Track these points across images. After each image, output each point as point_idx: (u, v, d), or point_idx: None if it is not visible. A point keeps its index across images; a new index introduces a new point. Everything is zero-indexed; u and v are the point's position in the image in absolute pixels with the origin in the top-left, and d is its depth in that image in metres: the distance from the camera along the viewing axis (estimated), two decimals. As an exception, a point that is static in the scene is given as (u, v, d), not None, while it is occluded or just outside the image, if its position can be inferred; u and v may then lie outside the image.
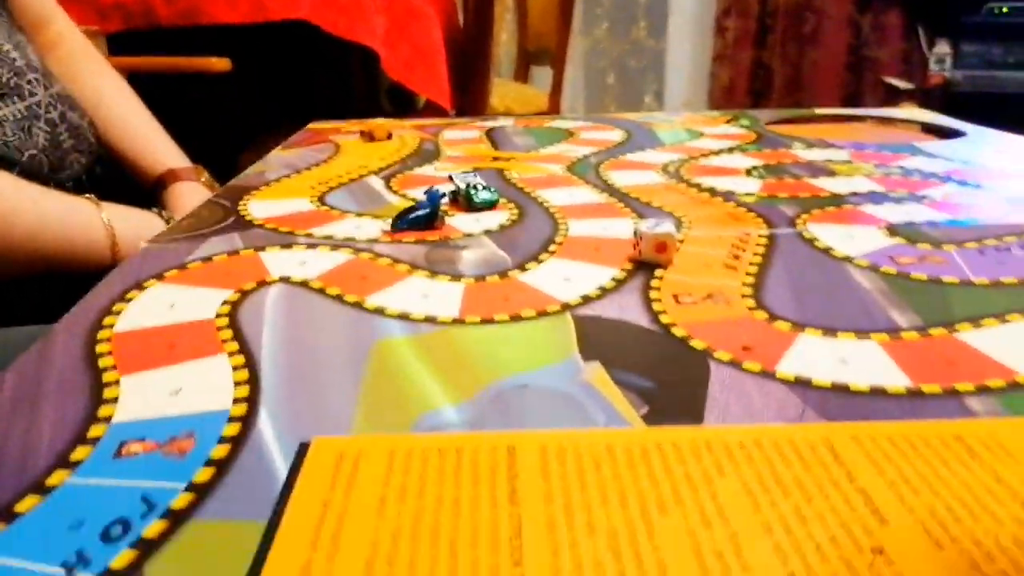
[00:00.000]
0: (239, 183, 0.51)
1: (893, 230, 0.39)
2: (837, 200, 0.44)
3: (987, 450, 0.21)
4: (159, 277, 0.35)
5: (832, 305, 0.30)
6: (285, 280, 0.34)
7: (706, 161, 0.55)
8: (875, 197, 0.45)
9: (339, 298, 0.32)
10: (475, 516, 0.19)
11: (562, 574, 0.17)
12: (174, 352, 0.27)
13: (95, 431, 0.23)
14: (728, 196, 0.46)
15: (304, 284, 0.33)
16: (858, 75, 2.94)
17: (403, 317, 0.30)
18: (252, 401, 0.24)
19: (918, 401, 0.24)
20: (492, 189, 0.45)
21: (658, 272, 0.34)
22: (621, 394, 0.24)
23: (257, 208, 0.45)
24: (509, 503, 0.19)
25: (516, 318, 0.30)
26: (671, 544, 0.18)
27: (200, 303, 0.31)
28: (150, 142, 0.69)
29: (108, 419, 0.23)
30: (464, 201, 0.44)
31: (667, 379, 0.25)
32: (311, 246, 0.38)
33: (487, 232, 0.40)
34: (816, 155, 0.56)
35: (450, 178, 0.46)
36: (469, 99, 1.77)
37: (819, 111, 0.75)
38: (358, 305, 0.31)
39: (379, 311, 0.31)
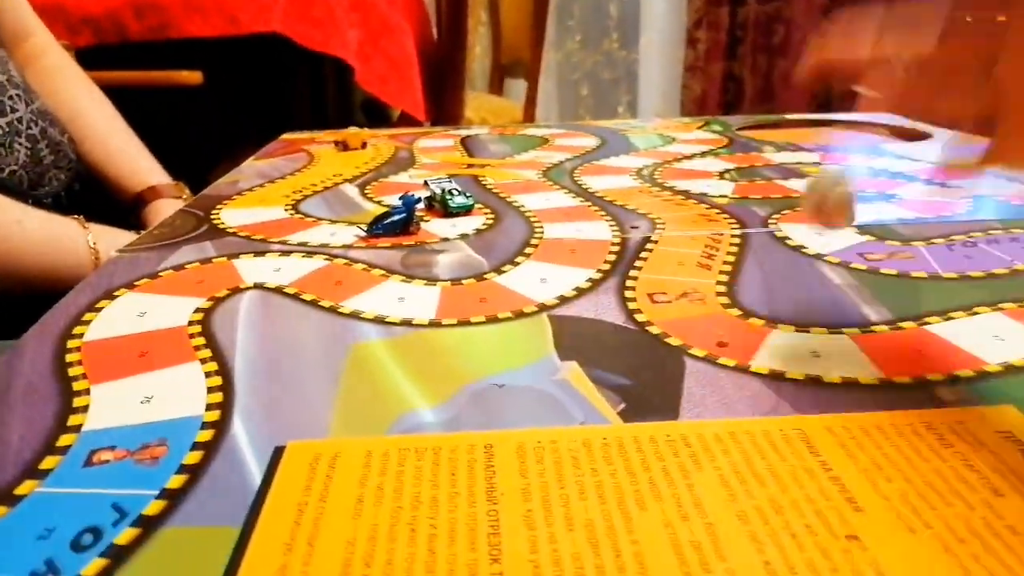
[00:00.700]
0: (212, 192, 0.51)
1: (863, 228, 0.39)
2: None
3: (957, 438, 0.22)
4: (130, 286, 0.34)
5: (804, 301, 0.31)
6: (259, 287, 0.34)
7: (680, 165, 0.55)
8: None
9: (314, 303, 0.32)
10: (453, 514, 0.19)
11: (541, 569, 0.17)
12: (145, 360, 0.27)
13: (64, 440, 0.22)
14: (701, 198, 0.46)
15: (278, 290, 0.33)
16: (827, 84, 2.99)
17: (379, 321, 0.30)
18: (226, 407, 0.24)
19: (890, 392, 0.24)
20: (468, 194, 0.45)
21: (633, 272, 0.34)
22: (598, 391, 0.24)
23: (230, 216, 0.45)
24: (487, 500, 0.19)
25: (493, 319, 0.30)
26: (649, 536, 0.18)
27: (172, 311, 0.31)
28: (130, 158, 0.68)
29: (78, 428, 0.23)
30: (440, 206, 0.44)
31: (643, 376, 0.25)
32: (285, 253, 0.38)
33: (463, 236, 0.40)
34: (787, 158, 0.57)
35: (425, 184, 0.46)
36: (443, 111, 1.78)
37: (789, 116, 0.76)
38: (333, 310, 0.31)
39: (355, 315, 0.30)
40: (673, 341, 0.27)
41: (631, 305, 0.31)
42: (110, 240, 0.57)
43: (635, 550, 0.18)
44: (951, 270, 0.34)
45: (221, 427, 0.23)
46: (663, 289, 0.32)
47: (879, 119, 0.73)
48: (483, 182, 0.52)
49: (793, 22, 2.92)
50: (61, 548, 0.18)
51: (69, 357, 0.27)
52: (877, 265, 0.34)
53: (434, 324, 0.29)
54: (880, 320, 0.29)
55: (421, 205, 0.43)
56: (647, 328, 0.29)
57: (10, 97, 0.60)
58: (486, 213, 0.44)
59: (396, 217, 0.40)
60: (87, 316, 0.31)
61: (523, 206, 0.45)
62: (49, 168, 0.62)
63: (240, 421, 0.23)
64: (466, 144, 0.65)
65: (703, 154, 0.59)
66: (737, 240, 0.38)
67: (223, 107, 1.40)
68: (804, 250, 0.36)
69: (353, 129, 0.69)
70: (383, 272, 0.35)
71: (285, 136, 0.72)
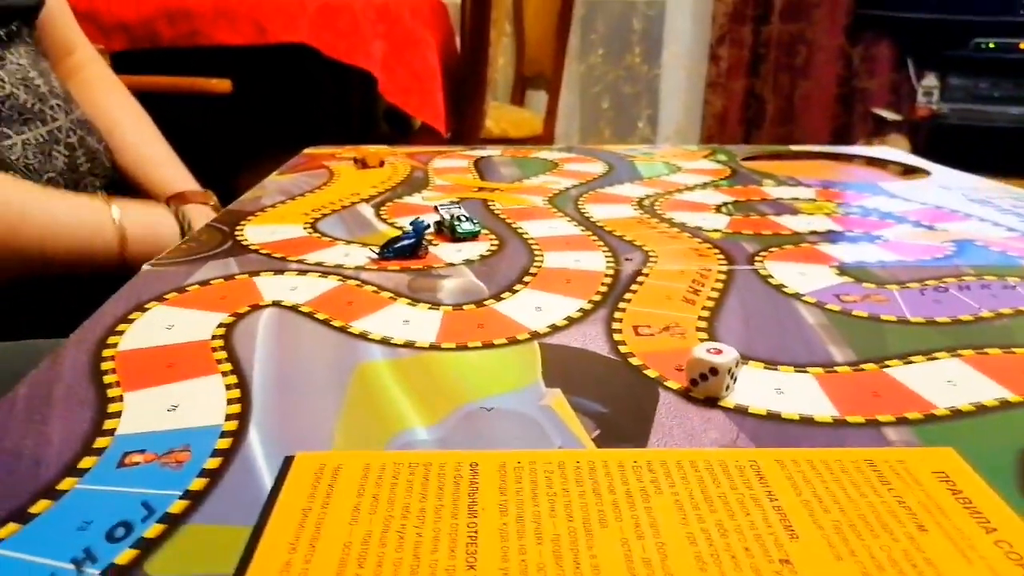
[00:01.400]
0: (237, 208, 0.54)
1: (843, 269, 0.42)
2: (796, 239, 0.47)
3: (895, 476, 0.24)
4: (160, 299, 0.37)
5: (777, 339, 0.33)
6: (277, 304, 0.37)
7: (680, 196, 0.58)
8: (832, 236, 0.48)
9: (326, 323, 0.35)
10: (437, 524, 0.22)
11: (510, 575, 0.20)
12: (172, 371, 0.30)
13: (100, 443, 0.25)
14: (696, 232, 0.49)
15: (294, 309, 0.36)
16: (848, 106, 2.99)
17: (384, 342, 0.33)
18: (243, 418, 0.27)
19: (842, 430, 0.26)
20: (475, 220, 0.48)
21: (622, 304, 0.37)
22: (577, 418, 0.27)
23: (253, 233, 0.48)
24: (468, 514, 0.22)
25: (488, 345, 0.32)
26: (607, 552, 0.21)
27: (197, 325, 0.34)
28: (161, 166, 0.72)
29: (112, 432, 0.26)
30: (448, 231, 0.47)
31: (619, 405, 0.28)
32: (302, 272, 0.41)
33: (468, 262, 0.43)
34: (784, 192, 0.59)
35: (436, 208, 0.49)
36: (464, 122, 1.81)
37: (795, 148, 0.78)
38: (343, 330, 0.34)
39: (363, 335, 0.33)
40: (651, 373, 0.30)
41: (616, 336, 0.33)
42: (134, 213, 0.61)
43: (593, 563, 0.20)
44: (919, 315, 0.36)
45: (238, 436, 0.26)
46: (648, 322, 0.35)
47: (883, 154, 0.75)
48: (491, 207, 0.55)
49: (816, 43, 2.93)
50: (97, 539, 0.21)
51: (104, 365, 0.31)
52: (850, 307, 0.37)
53: (434, 347, 0.32)
54: (844, 361, 0.31)
55: (430, 230, 0.46)
56: (628, 359, 0.31)
57: (51, 107, 0.64)
58: (491, 239, 0.47)
59: (406, 242, 0.43)
60: (121, 326, 0.34)
61: (527, 233, 0.48)
62: (85, 175, 0.66)
63: (255, 431, 0.26)
64: (479, 166, 0.68)
65: (704, 185, 0.61)
66: (723, 277, 0.40)
67: (250, 114, 1.44)
68: (784, 289, 0.39)
69: (372, 147, 0.72)
70: (391, 295, 0.38)
71: (307, 151, 0.75)
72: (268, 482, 0.23)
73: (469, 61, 1.81)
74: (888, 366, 0.31)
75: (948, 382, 0.30)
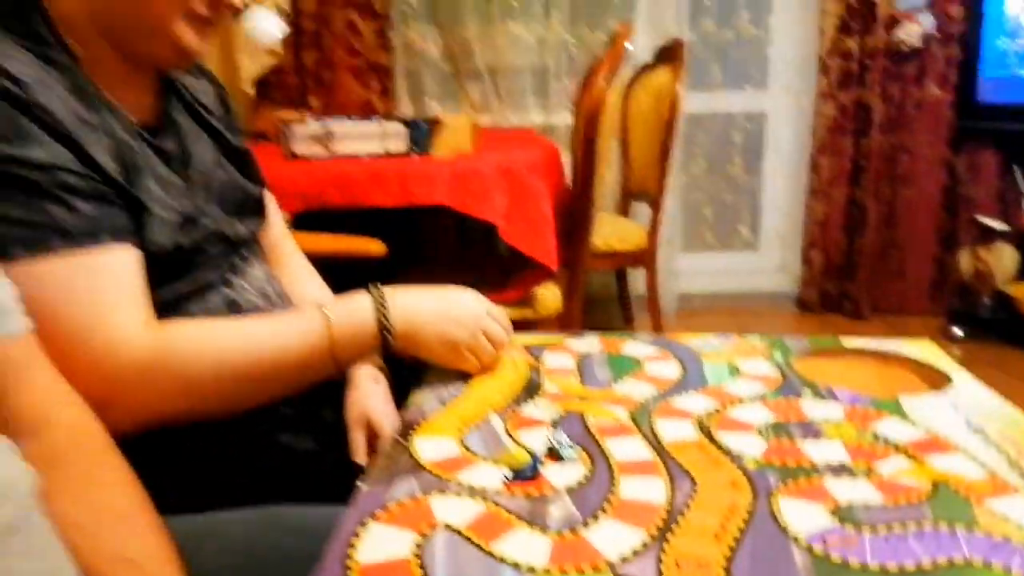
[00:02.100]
0: (405, 415, 0.77)
1: (836, 510, 0.59)
2: (810, 471, 0.64)
3: None
4: (373, 516, 0.59)
5: (768, 580, 0.51)
6: (448, 527, 0.58)
7: (732, 412, 0.76)
8: (837, 470, 0.64)
9: (479, 547, 0.55)
10: None
11: None
12: (392, 583, 0.51)
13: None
14: (739, 459, 0.66)
15: (455, 530, 0.57)
16: (953, 214, 3.02)
17: (516, 566, 0.53)
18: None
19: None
20: (573, 445, 0.68)
21: (668, 536, 0.55)
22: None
23: (423, 448, 0.70)
24: None
25: (579, 571, 0.52)
26: None
27: (398, 542, 0.56)
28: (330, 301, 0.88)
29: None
30: (555, 454, 0.67)
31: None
32: (458, 492, 0.62)
33: (569, 490, 0.63)
34: (817, 411, 0.76)
35: (547, 429, 0.70)
36: (573, 247, 2.05)
37: (847, 344, 0.94)
38: (491, 554, 0.54)
39: (502, 559, 0.53)
40: (678, 605, 0.48)
41: (663, 567, 0.52)
42: (342, 313, 0.79)
43: None
44: (876, 561, 0.52)
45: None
46: (687, 557, 0.53)
47: (923, 356, 0.90)
48: (587, 421, 0.75)
49: (917, 152, 3.00)
50: None
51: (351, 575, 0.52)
52: (830, 551, 0.54)
53: (546, 571, 0.52)
54: (807, 604, 0.48)
55: (542, 454, 0.67)
56: (666, 592, 0.50)
57: (275, 304, 0.89)
58: (586, 461, 0.67)
59: (528, 473, 0.63)
60: (352, 540, 0.56)
61: (612, 456, 0.68)
62: None
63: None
64: (581, 368, 0.89)
65: (754, 399, 0.79)
66: (745, 516, 0.58)
67: (401, 266, 1.73)
68: (788, 530, 0.56)
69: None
70: (517, 516, 0.58)
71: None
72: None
73: (578, 196, 2.05)
74: (836, 609, 0.48)
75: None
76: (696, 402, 0.79)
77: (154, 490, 0.62)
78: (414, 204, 1.65)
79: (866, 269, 3.04)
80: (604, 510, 0.59)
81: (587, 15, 2.95)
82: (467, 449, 0.70)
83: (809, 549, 0.54)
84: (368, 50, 2.87)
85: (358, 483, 0.65)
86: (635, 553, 0.54)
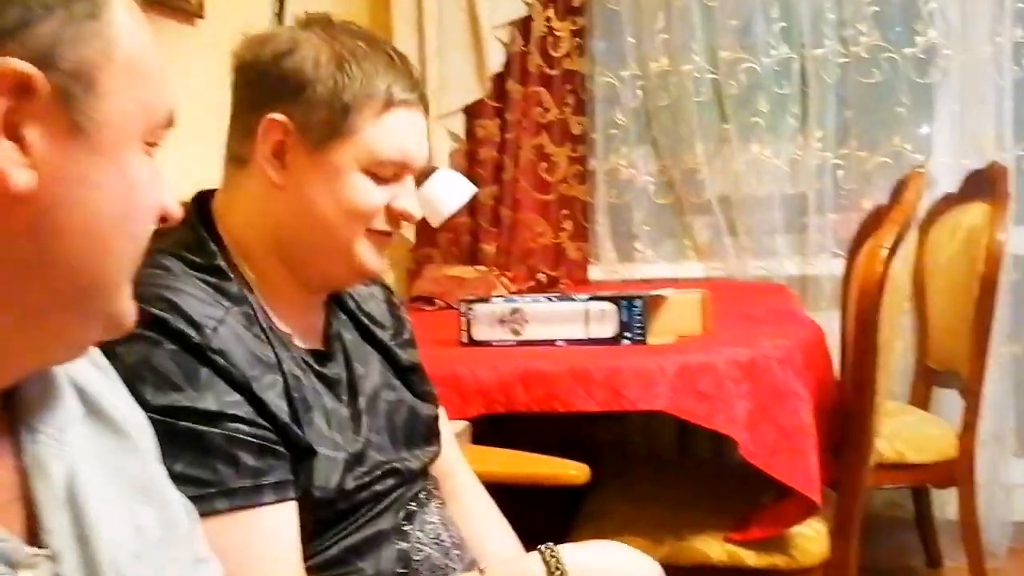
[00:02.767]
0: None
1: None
2: None
3: None
4: None
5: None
6: None
7: None
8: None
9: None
10: None
11: None
12: None
13: None
14: None
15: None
16: None
17: None
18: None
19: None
20: None
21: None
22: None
23: None
24: None
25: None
26: None
27: None
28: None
29: None
30: None
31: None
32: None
33: None
34: None
35: None
36: (844, 463, 1.53)
37: None
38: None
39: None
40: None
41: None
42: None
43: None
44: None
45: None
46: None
47: None
48: None
49: None
50: None
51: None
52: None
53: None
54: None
55: None
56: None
57: (451, 557, 0.80)
58: None
59: None
60: None
61: None
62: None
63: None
64: None
65: None
66: None
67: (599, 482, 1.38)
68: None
69: None
70: None
71: None
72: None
73: (849, 391, 1.58)
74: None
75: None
76: None
77: None
78: (626, 411, 1.33)
79: None
80: None
81: (861, 131, 2.16)
82: None
83: None
84: (561, 182, 2.24)
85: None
86: None
